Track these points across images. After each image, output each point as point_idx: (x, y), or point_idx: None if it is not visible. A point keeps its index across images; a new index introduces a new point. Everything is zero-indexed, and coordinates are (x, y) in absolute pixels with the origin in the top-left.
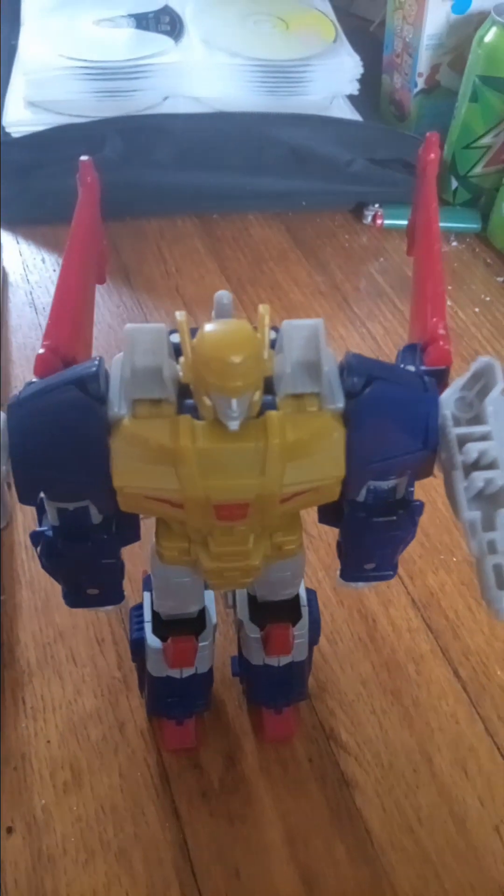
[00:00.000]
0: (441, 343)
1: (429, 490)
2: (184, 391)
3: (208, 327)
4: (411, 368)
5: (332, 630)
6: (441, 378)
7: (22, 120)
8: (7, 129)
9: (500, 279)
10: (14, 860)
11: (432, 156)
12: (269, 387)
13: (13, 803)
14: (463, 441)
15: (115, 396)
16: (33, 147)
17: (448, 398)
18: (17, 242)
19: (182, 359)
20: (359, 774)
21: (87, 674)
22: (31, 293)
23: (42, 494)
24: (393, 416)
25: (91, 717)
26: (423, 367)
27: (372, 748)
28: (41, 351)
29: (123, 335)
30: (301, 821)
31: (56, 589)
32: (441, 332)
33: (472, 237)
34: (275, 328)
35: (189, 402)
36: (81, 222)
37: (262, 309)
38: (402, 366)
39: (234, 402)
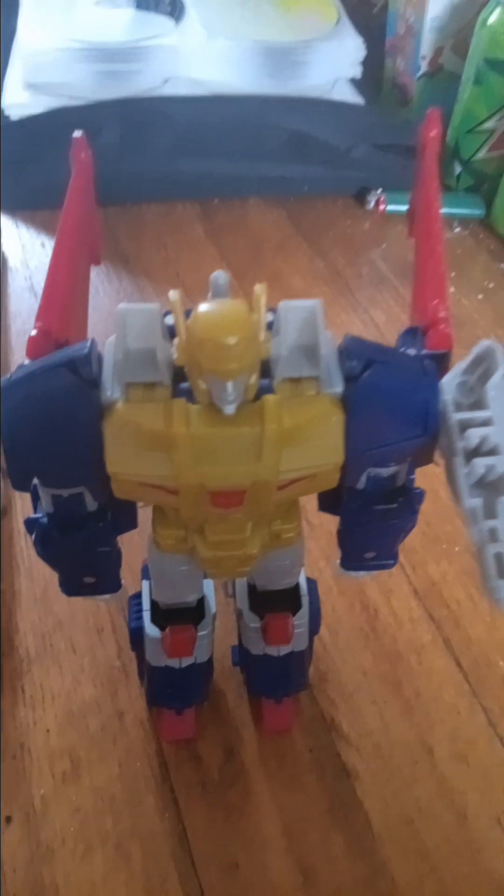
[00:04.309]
0: (441, 326)
1: (431, 478)
2: (179, 374)
3: (202, 308)
4: (412, 352)
5: (332, 620)
6: (442, 362)
7: (21, 102)
8: (6, 112)
9: (503, 266)
10: (12, 851)
11: (433, 133)
12: (266, 370)
13: (12, 793)
14: (464, 427)
15: (107, 380)
16: (32, 130)
17: (449, 383)
18: (17, 227)
19: (176, 340)
20: (358, 765)
21: (86, 663)
22: (30, 278)
23: (36, 481)
24: (392, 401)
25: (90, 706)
26: (423, 351)
27: (372, 739)
28: (33, 333)
29: (116, 316)
30: (299, 813)
31: (55, 578)
32: (442, 314)
33: (476, 223)
34: (272, 310)
35: (184, 385)
36: (74, 201)
37: (258, 289)
38: (402, 349)
39: (228, 385)
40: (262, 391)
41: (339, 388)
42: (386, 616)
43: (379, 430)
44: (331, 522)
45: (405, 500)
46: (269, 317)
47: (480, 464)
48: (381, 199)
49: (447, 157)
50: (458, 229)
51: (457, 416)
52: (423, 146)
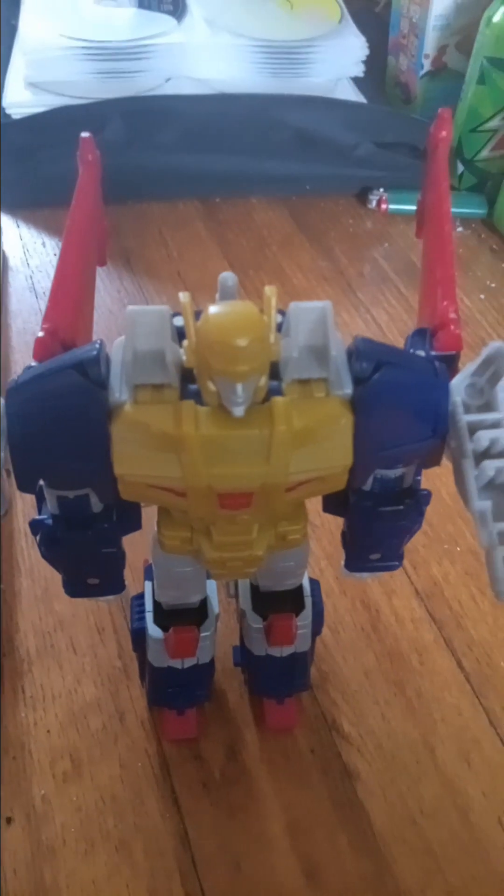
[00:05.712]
0: (452, 327)
1: (433, 479)
2: (188, 376)
3: (213, 309)
4: (421, 353)
5: (334, 620)
6: (451, 364)
7: (22, 101)
8: (7, 111)
9: None
10: (13, 850)
11: (444, 133)
12: (274, 372)
13: (13, 793)
14: (474, 429)
15: (116, 381)
16: (33, 129)
17: (458, 384)
18: (18, 226)
19: (185, 342)
20: (361, 765)
21: (87, 663)
22: (31, 277)
23: (41, 482)
24: (402, 403)
25: (91, 706)
26: (432, 353)
27: (374, 739)
28: (40, 334)
29: (125, 317)
30: (303, 812)
31: (56, 577)
32: (452, 315)
33: (478, 223)
34: (281, 311)
35: (193, 387)
36: (82, 202)
37: (269, 290)
38: (411, 351)
39: (238, 387)
40: (271, 393)
41: (348, 389)
42: (388, 616)
43: (388, 432)
44: (333, 522)
45: (412, 502)
46: (279, 318)
47: (490, 466)
48: (384, 198)
49: (450, 156)
50: (460, 229)
51: (467, 418)
52: (433, 146)
